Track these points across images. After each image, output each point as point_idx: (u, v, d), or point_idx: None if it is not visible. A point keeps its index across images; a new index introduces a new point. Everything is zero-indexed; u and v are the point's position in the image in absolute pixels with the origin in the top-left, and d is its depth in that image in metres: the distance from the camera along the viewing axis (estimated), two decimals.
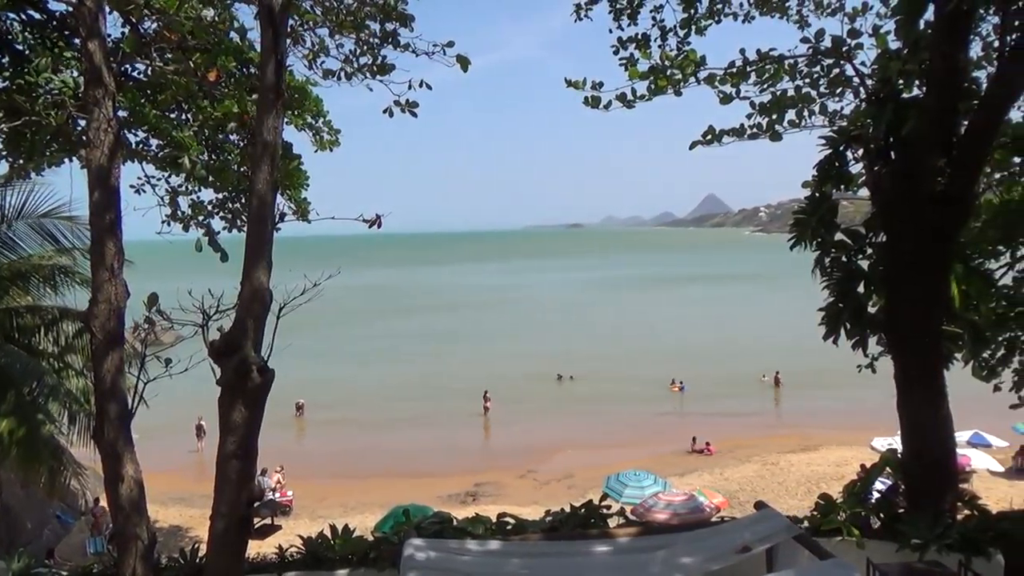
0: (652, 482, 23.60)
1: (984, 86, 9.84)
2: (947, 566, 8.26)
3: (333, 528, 9.29)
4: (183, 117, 12.47)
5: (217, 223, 13.81)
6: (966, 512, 9.99)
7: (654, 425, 40.18)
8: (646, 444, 36.20)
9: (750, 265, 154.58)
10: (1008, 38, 9.11)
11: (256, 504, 6.63)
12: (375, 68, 10.11)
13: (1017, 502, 21.83)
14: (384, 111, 9.63)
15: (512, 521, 9.13)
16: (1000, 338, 13.64)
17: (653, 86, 10.82)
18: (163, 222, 12.34)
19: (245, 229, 6.75)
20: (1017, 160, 12.33)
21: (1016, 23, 8.95)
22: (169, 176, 12.77)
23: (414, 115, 9.36)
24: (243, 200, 13.49)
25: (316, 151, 14.34)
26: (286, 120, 12.18)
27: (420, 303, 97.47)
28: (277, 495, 27.17)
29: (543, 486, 30.81)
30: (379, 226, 7.92)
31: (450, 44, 8.98)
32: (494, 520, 9.24)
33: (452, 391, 46.44)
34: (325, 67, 10.44)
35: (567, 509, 9.65)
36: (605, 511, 9.62)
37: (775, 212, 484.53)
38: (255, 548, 8.74)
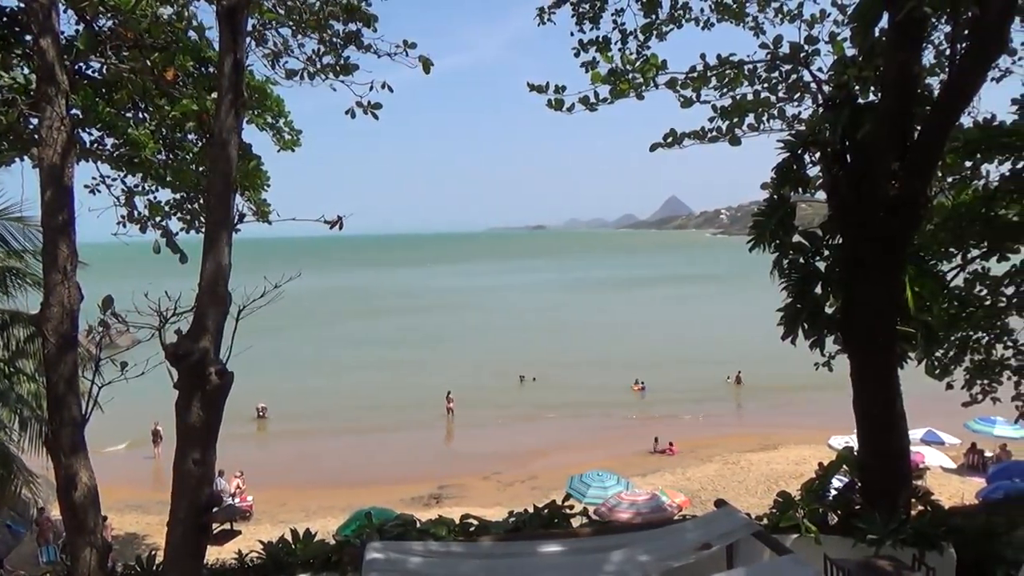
0: (615, 482, 23.76)
1: (936, 92, 10.10)
2: (902, 560, 8.45)
3: (294, 532, 9.20)
4: (140, 115, 12.22)
5: (175, 224, 13.55)
6: (920, 508, 10.24)
7: (617, 426, 40.44)
8: (609, 445, 36.42)
9: (711, 266, 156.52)
10: (958, 46, 9.35)
11: (215, 509, 6.54)
12: (338, 68, 10.06)
13: (968, 498, 22.48)
14: (346, 112, 9.59)
15: (475, 522, 9.13)
16: (952, 338, 14.03)
17: (615, 89, 10.90)
18: (119, 223, 12.17)
19: (204, 230, 6.67)
20: (968, 164, 12.67)
21: (966, 32, 9.21)
22: (125, 176, 12.51)
23: (375, 117, 9.34)
24: (202, 201, 13.27)
25: (279, 150, 14.18)
26: (246, 120, 12.03)
27: (382, 305, 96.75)
28: (237, 500, 26.80)
29: (507, 487, 30.81)
30: (340, 227, 7.88)
31: (412, 45, 8.97)
32: (457, 522, 9.23)
33: (415, 393, 46.19)
34: (287, 67, 10.35)
35: (530, 510, 9.67)
36: (568, 511, 9.67)
37: (736, 214, 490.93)
38: (214, 554, 8.61)
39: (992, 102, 12.45)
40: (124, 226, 12.24)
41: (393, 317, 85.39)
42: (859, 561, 8.31)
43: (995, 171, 12.66)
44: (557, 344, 64.59)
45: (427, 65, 8.82)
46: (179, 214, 13.78)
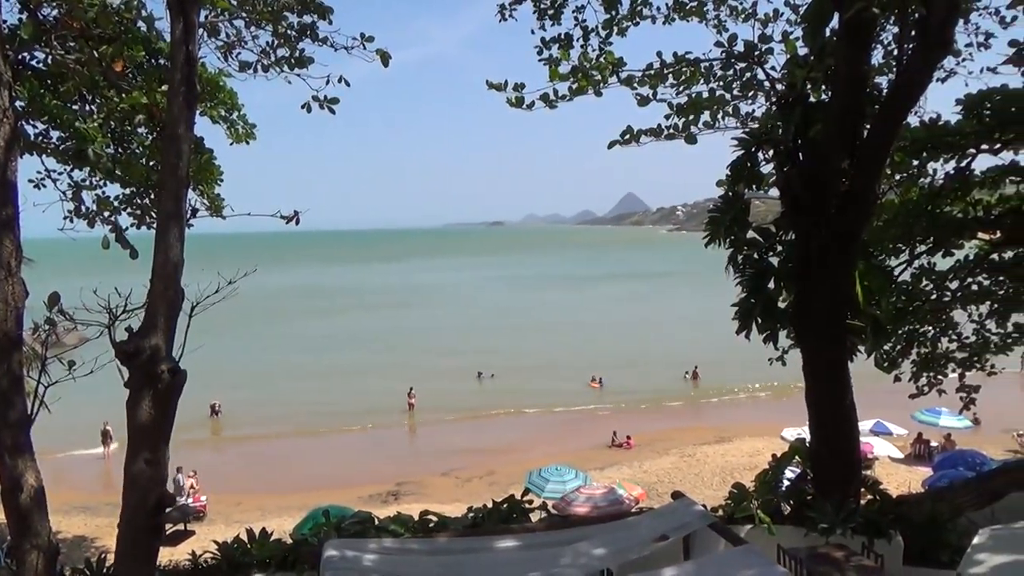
0: (573, 476, 23.91)
1: (885, 92, 10.34)
2: (851, 548, 8.67)
3: (250, 532, 9.07)
4: (87, 108, 11.91)
5: (125, 219, 13.24)
6: (869, 497, 10.51)
7: (575, 421, 40.73)
8: (567, 440, 36.66)
9: (668, 262, 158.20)
10: (906, 47, 9.58)
11: (168, 509, 6.42)
12: (293, 61, 9.89)
13: (915, 486, 23.09)
14: (303, 107, 9.45)
15: (434, 519, 9.11)
16: (900, 331, 14.39)
17: (575, 86, 10.94)
18: (66, 218, 11.84)
19: (155, 225, 6.53)
20: (915, 162, 13.00)
21: (912, 33, 9.44)
22: (72, 170, 12.18)
23: (332, 111, 9.22)
24: (152, 195, 12.99)
25: (232, 143, 13.93)
26: (199, 113, 11.80)
27: (339, 302, 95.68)
28: (190, 500, 26.34)
29: (465, 484, 30.81)
30: (297, 223, 7.79)
31: (370, 39, 8.88)
32: (416, 518, 9.20)
33: (371, 391, 45.89)
34: (241, 59, 10.15)
35: (489, 505, 9.69)
36: (527, 506, 9.71)
37: (691, 211, 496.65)
38: (167, 555, 8.46)
39: (937, 102, 12.80)
40: (71, 221, 11.92)
41: (350, 314, 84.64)
42: (810, 549, 8.51)
43: (940, 169, 13.01)
44: (515, 341, 64.71)
45: (385, 59, 8.75)
46: (129, 209, 13.48)
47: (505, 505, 9.46)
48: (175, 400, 6.23)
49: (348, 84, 8.91)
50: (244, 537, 9.03)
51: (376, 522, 8.96)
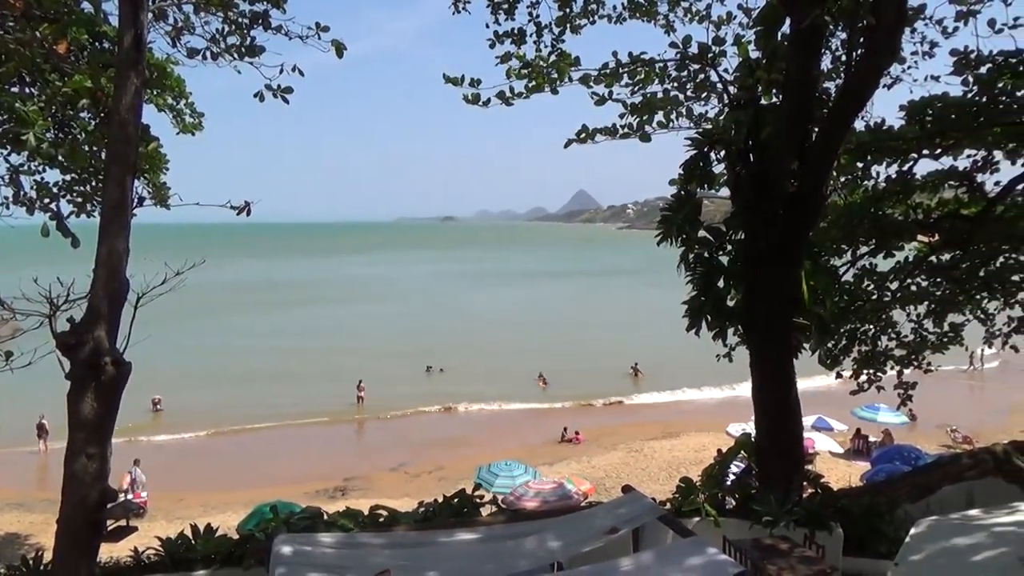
0: (523, 471, 24.03)
1: (833, 96, 10.59)
2: (794, 539, 8.90)
3: (194, 528, 8.88)
4: (27, 91, 11.49)
5: (66, 206, 12.83)
6: (811, 490, 10.80)
7: (524, 416, 40.84)
8: (517, 435, 36.76)
9: (618, 260, 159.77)
10: (854, 53, 9.84)
11: (109, 505, 6.26)
12: (244, 49, 9.68)
13: (854, 480, 23.78)
14: (255, 95, 9.28)
15: (385, 513, 9.06)
16: (842, 329, 14.80)
17: (531, 84, 10.96)
18: (2, 204, 11.43)
19: (98, 214, 6.35)
20: (860, 165, 13.35)
21: (861, 40, 9.69)
22: (9, 154, 11.76)
23: (286, 101, 9.06)
24: (95, 182, 12.62)
25: (178, 133, 13.60)
26: (145, 100, 11.50)
27: (289, 296, 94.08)
28: (131, 496, 25.70)
29: (414, 479, 30.66)
30: (248, 214, 7.65)
31: (325, 28, 8.75)
32: (366, 513, 9.13)
33: (319, 386, 45.30)
34: (190, 46, 9.91)
35: (439, 500, 9.67)
36: (477, 501, 9.72)
37: (642, 209, 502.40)
38: (107, 552, 8.24)
39: (883, 107, 13.16)
40: (8, 208, 11.53)
41: (299, 308, 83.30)
42: (755, 541, 8.70)
43: (883, 172, 13.38)
44: (465, 335, 64.58)
45: (340, 49, 8.64)
46: (70, 196, 13.06)
47: (456, 500, 9.46)
48: (119, 393, 6.09)
49: (302, 74, 8.76)
50: (188, 533, 8.85)
51: (325, 517, 8.87)
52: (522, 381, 47.40)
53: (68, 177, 12.88)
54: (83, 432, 5.83)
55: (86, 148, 12.26)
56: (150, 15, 8.05)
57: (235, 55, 9.71)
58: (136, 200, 7.52)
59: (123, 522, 7.35)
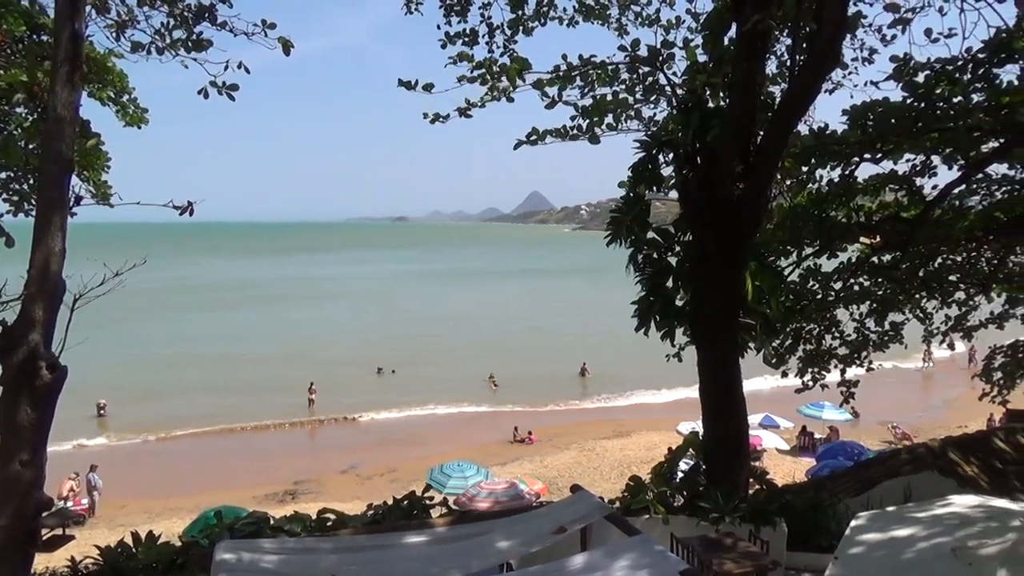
0: (475, 472, 24.02)
1: (778, 100, 10.79)
2: (740, 535, 9.07)
3: (135, 535, 8.63)
4: None
5: (1, 205, 12.38)
6: (757, 487, 11.01)
7: (477, 416, 40.83)
8: (470, 435, 36.72)
9: (570, 260, 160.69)
10: (797, 58, 10.05)
11: (44, 514, 6.07)
12: (189, 44, 9.47)
13: (799, 476, 24.32)
14: (199, 92, 9.09)
15: (333, 517, 8.95)
16: (788, 329, 15.10)
17: (487, 95, 10.95)
18: None
19: (34, 213, 6.16)
20: (804, 168, 13.62)
21: (804, 45, 9.90)
22: None
23: (231, 98, 8.89)
24: (32, 180, 12.20)
25: (124, 125, 13.24)
26: (86, 94, 11.16)
27: (236, 296, 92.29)
28: (70, 503, 24.95)
29: (365, 481, 30.41)
30: (191, 214, 7.48)
31: (272, 25, 8.61)
32: (314, 517, 9.00)
33: (268, 389, 44.56)
34: (133, 39, 9.66)
35: (390, 502, 9.59)
36: (428, 502, 9.66)
37: (595, 210, 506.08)
38: (43, 562, 7.99)
39: (825, 112, 13.48)
40: None
41: (247, 308, 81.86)
42: (701, 537, 8.84)
43: (827, 176, 13.68)
44: (416, 336, 64.23)
45: (287, 46, 8.51)
46: (5, 195, 12.61)
47: (406, 502, 9.40)
48: (54, 398, 5.90)
49: (248, 71, 8.61)
50: (129, 541, 8.61)
51: (272, 522, 8.72)
52: (473, 382, 47.33)
53: (3, 175, 12.45)
54: (16, 439, 5.65)
55: (22, 144, 11.85)
56: (91, 7, 7.84)
57: (181, 50, 9.50)
58: (74, 199, 7.30)
59: (60, 531, 7.11)
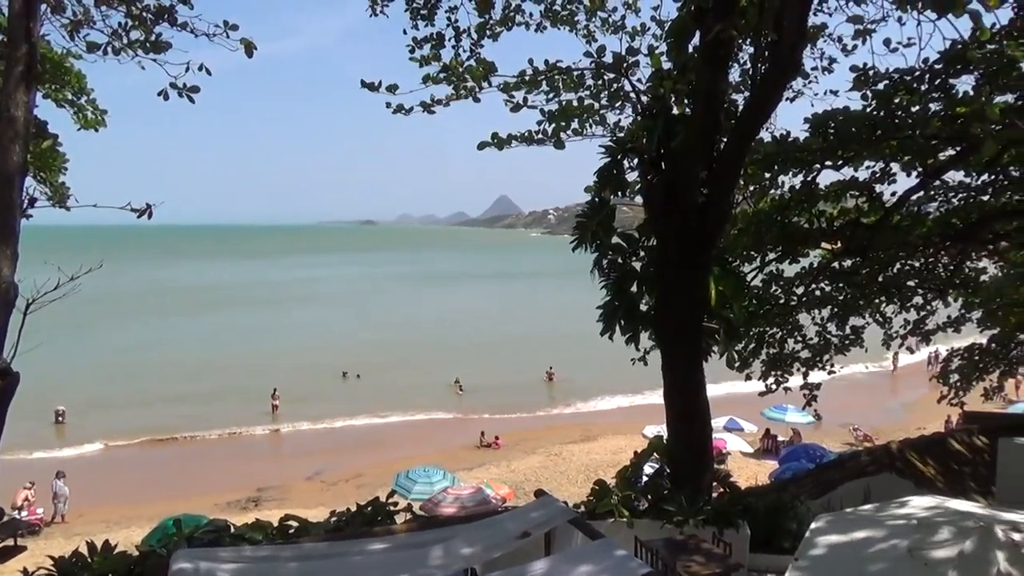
0: (441, 477, 23.93)
1: (741, 108, 10.92)
2: (703, 537, 9.13)
3: (90, 545, 8.41)
4: None
5: None
6: (720, 490, 11.09)
7: (444, 421, 40.73)
8: (436, 440, 36.61)
9: (537, 264, 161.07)
10: (759, 67, 10.17)
11: None
12: (148, 45, 9.30)
13: (762, 479, 24.61)
14: (159, 94, 8.92)
15: (295, 524, 8.82)
16: (752, 333, 15.28)
17: (452, 92, 10.93)
18: None
19: None
20: (767, 175, 13.81)
21: (765, 54, 10.03)
22: None
23: (192, 100, 8.74)
24: None
25: (79, 129, 12.98)
26: (43, 95, 10.93)
27: (199, 300, 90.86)
28: (25, 513, 24.35)
29: (331, 487, 30.14)
30: (149, 216, 7.35)
31: (234, 27, 8.49)
32: (276, 524, 8.87)
33: (232, 393, 44.00)
34: (89, 40, 9.46)
35: (353, 509, 9.50)
36: (392, 508, 9.58)
37: (563, 215, 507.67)
38: None
39: (787, 120, 13.66)
40: None
41: (210, 313, 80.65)
42: (665, 540, 8.89)
43: (789, 182, 13.88)
44: (382, 340, 63.87)
45: (249, 48, 8.39)
46: None
47: (369, 508, 9.30)
48: (6, 405, 5.76)
49: (209, 72, 8.48)
50: (84, 550, 8.39)
51: (232, 530, 8.56)
52: (440, 386, 47.20)
53: None
54: None
55: None
56: (46, 7, 7.67)
57: (139, 51, 9.33)
58: (27, 201, 7.13)
59: (10, 541, 6.94)
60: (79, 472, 31.32)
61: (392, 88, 10.14)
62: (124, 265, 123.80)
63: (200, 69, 8.45)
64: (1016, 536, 5.29)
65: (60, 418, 38.18)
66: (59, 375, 41.36)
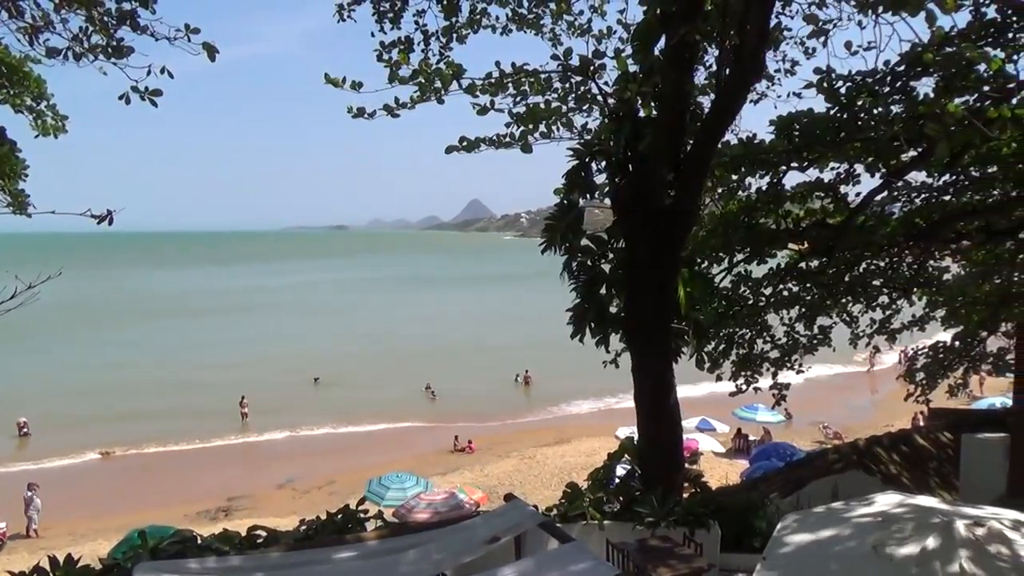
0: (414, 483, 23.80)
1: (706, 110, 11.00)
2: (674, 538, 9.16)
3: (53, 559, 8.22)
4: None
5: None
6: (692, 490, 11.14)
7: (417, 426, 40.47)
8: (410, 445, 36.42)
9: (510, 267, 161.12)
10: (723, 70, 10.26)
11: None
12: (110, 50, 9.14)
13: (733, 478, 24.80)
14: (120, 98, 8.77)
15: (263, 534, 8.70)
16: (722, 334, 15.40)
17: (417, 94, 10.87)
18: None
19: None
20: (734, 177, 13.94)
21: (730, 57, 10.12)
22: None
23: (154, 104, 8.59)
24: None
25: (38, 135, 12.72)
26: (0, 100, 10.70)
27: (166, 307, 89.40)
28: None
29: (303, 495, 29.83)
30: (110, 223, 7.21)
31: (195, 31, 8.37)
32: (244, 534, 8.74)
33: (201, 402, 43.27)
34: (49, 44, 9.28)
35: (323, 517, 9.39)
36: (363, 515, 9.49)
37: (535, 218, 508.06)
38: None
39: (752, 122, 13.79)
40: None
41: (178, 320, 79.39)
42: (637, 542, 8.91)
43: (756, 184, 14.03)
44: (353, 345, 63.41)
45: (211, 52, 8.26)
46: None
47: (339, 516, 9.20)
48: None
49: (172, 76, 8.34)
50: (46, 564, 8.20)
51: (199, 541, 8.43)
52: (413, 391, 46.96)
53: None
54: None
55: None
56: (3, 11, 7.52)
57: (100, 55, 9.16)
58: None
59: None
60: (45, 485, 30.69)
61: (356, 85, 10.05)
62: (85, 273, 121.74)
63: (162, 72, 8.32)
64: (978, 531, 5.38)
65: (23, 430, 37.37)
66: (20, 387, 40.52)
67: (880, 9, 7.12)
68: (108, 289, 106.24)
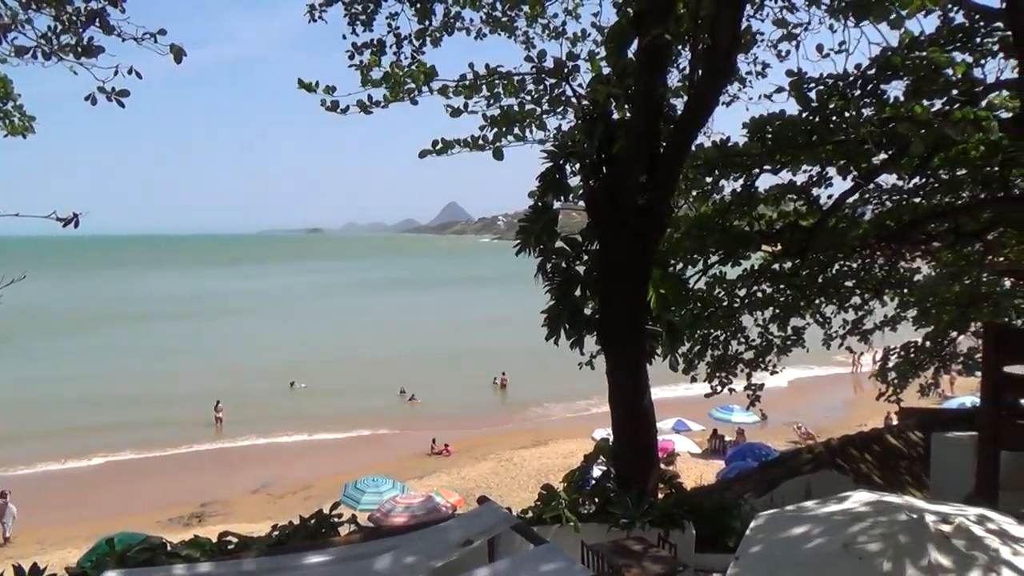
0: (390, 487, 23.68)
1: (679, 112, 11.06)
2: (649, 540, 9.18)
3: (17, 568, 8.07)
4: None
5: None
6: (666, 491, 11.18)
7: (393, 430, 40.27)
8: (386, 449, 36.25)
9: (487, 270, 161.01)
10: (696, 73, 10.33)
11: None
12: (79, 50, 9.00)
13: (709, 478, 24.94)
14: (87, 98, 8.63)
15: (235, 540, 8.59)
16: (696, 335, 15.48)
17: (389, 94, 10.83)
18: None
19: None
20: (708, 179, 14.03)
21: (703, 59, 10.18)
22: None
23: (121, 104, 8.46)
24: None
25: (5, 136, 12.52)
26: None
27: (138, 311, 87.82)
28: None
29: (277, 500, 29.55)
30: (76, 225, 7.07)
31: (162, 32, 8.26)
32: (215, 540, 8.63)
33: (174, 407, 42.72)
34: (17, 43, 9.12)
35: (296, 522, 9.29)
36: (337, 519, 9.40)
37: (512, 220, 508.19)
38: None
39: (725, 124, 13.84)
40: None
41: (151, 324, 78.21)
42: (612, 543, 8.92)
43: (730, 186, 14.13)
44: (328, 349, 62.92)
45: (178, 55, 8.14)
46: None
47: (313, 521, 9.11)
48: None
49: (140, 76, 8.22)
50: (10, 574, 8.04)
51: (168, 548, 8.30)
52: (388, 395, 46.72)
53: None
54: None
55: None
56: None
57: (69, 55, 9.03)
58: None
59: None
60: (14, 493, 30.16)
61: (330, 89, 10.03)
62: (53, 277, 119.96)
63: (130, 72, 8.21)
64: (945, 527, 5.43)
65: None
66: None
67: (848, 14, 7.21)
68: (74, 294, 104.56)
